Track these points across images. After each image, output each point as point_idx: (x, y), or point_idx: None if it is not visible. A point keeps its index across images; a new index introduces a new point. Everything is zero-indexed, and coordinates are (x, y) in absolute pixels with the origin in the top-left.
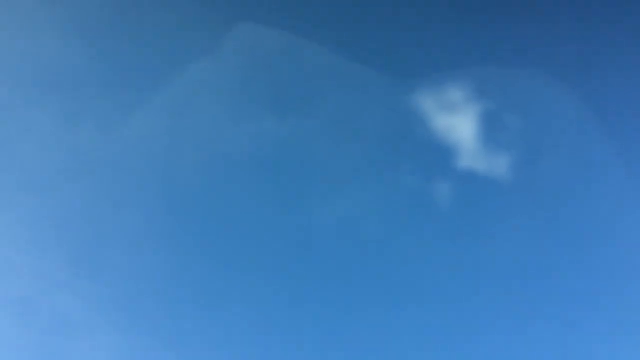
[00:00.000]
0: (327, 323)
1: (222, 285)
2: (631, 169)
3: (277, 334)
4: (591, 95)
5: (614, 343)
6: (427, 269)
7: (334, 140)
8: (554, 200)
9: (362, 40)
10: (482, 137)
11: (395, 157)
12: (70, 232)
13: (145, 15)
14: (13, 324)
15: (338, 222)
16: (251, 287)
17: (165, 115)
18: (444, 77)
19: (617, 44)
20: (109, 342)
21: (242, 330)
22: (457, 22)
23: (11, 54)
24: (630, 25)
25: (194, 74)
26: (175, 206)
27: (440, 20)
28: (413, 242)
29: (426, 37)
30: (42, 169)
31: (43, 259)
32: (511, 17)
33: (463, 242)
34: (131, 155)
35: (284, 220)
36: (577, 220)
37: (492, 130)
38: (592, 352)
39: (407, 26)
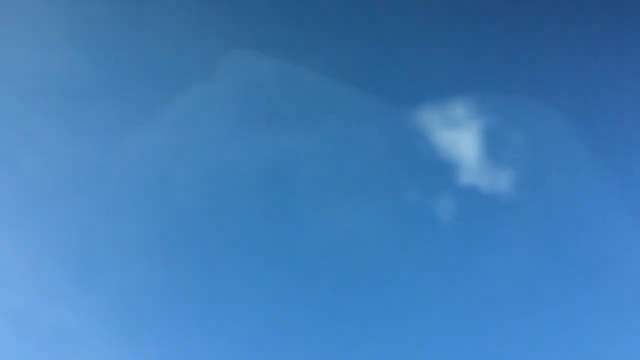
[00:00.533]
0: (326, 340)
1: (222, 299)
2: (634, 189)
3: (275, 351)
4: (594, 115)
5: None
6: (428, 285)
7: (334, 158)
8: (557, 218)
9: (363, 59)
10: (485, 155)
11: (396, 174)
12: (71, 243)
13: (154, 28)
14: (11, 336)
15: (339, 238)
16: (250, 301)
17: (169, 129)
18: (445, 95)
19: (621, 69)
20: (109, 356)
21: (241, 342)
22: (460, 41)
23: (18, 61)
24: (634, 50)
25: (199, 89)
26: (177, 220)
27: (443, 39)
28: (414, 258)
29: (428, 55)
30: (43, 179)
31: (42, 270)
32: (516, 36)
33: (464, 259)
34: (132, 168)
35: (284, 236)
36: (579, 238)
37: (494, 148)
38: None
39: (410, 44)
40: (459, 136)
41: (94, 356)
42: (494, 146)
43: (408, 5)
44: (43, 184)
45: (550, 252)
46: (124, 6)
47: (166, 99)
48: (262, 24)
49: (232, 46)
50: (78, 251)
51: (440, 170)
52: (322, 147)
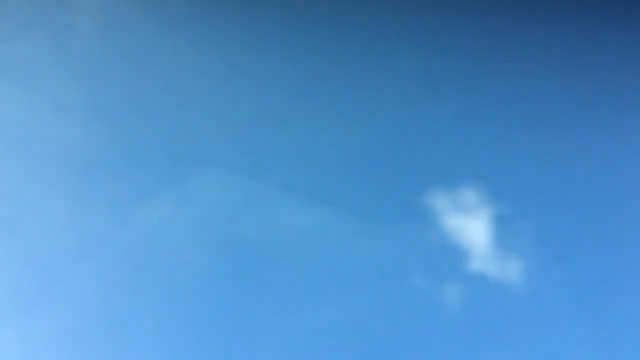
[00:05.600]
0: None
1: None
2: None
3: None
4: (609, 204)
5: None
6: None
7: (341, 242)
8: (567, 308)
9: (372, 144)
10: (495, 241)
11: (404, 260)
12: (71, 316)
13: (172, 101)
14: None
15: (344, 323)
16: None
17: (177, 204)
18: (456, 180)
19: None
20: None
21: None
22: (472, 128)
23: (29, 131)
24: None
25: (212, 166)
26: (182, 299)
27: (452, 122)
28: (419, 347)
29: (438, 140)
30: (47, 248)
31: (41, 344)
32: (529, 124)
33: (472, 348)
34: (138, 241)
35: (288, 319)
36: (588, 329)
37: (504, 234)
38: None
39: (419, 127)
40: (469, 223)
41: None
42: (507, 231)
43: (419, 92)
44: (49, 254)
45: (559, 345)
46: (142, 79)
47: (176, 174)
48: (270, 103)
49: (246, 127)
50: (78, 326)
51: (448, 257)
52: (327, 230)
